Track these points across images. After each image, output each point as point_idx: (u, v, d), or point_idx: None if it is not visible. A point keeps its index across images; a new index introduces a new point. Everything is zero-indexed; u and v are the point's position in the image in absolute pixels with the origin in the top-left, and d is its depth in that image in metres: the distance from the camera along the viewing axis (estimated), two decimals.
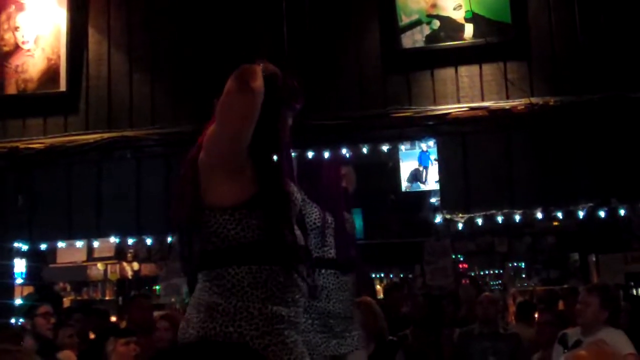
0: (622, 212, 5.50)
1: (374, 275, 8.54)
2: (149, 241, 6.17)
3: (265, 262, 2.43)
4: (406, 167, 6.88)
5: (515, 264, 9.92)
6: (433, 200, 6.06)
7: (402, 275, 8.98)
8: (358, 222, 8.27)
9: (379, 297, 8.00)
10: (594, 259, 8.81)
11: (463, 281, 7.80)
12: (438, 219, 5.63)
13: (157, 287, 8.30)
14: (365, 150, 5.58)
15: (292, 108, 2.71)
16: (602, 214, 5.48)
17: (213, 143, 2.47)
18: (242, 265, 2.42)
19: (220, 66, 5.64)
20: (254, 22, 5.71)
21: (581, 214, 5.44)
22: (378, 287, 8.53)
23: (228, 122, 2.42)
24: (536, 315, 6.36)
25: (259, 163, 2.49)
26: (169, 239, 6.10)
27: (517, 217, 5.47)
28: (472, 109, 5.44)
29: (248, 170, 2.47)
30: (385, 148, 5.68)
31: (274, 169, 2.52)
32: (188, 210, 2.52)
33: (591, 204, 5.40)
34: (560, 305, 8.23)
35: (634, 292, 8.89)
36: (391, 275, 9.96)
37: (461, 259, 9.67)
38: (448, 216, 5.48)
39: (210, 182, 2.47)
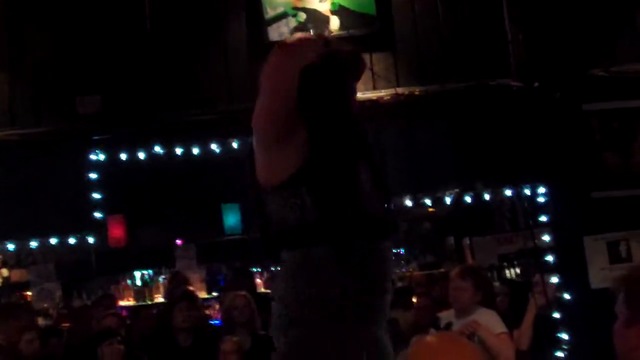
0: (487, 196, 5.69)
1: (254, 270, 8.47)
2: (11, 246, 5.94)
3: (318, 243, 2.26)
4: None
5: (394, 250, 10.08)
6: None
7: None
8: (236, 217, 8.26)
9: (259, 291, 7.99)
10: (468, 242, 9.05)
11: None
12: None
13: (29, 293, 8.00)
14: (235, 144, 5.54)
15: (355, 76, 2.51)
16: (468, 198, 5.65)
17: (257, 113, 2.38)
18: (292, 249, 2.27)
19: (80, 65, 5.52)
20: (115, 20, 5.56)
21: (448, 199, 5.59)
22: (258, 280, 8.49)
23: (265, 80, 2.37)
24: (414, 300, 6.49)
25: (313, 131, 2.31)
26: (33, 244, 5.90)
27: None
28: None
29: (295, 142, 2.29)
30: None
31: (331, 136, 2.32)
32: (251, 195, 2.42)
33: (457, 190, 5.56)
34: (437, 289, 8.41)
35: (507, 273, 9.20)
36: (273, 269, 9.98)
37: None
38: None
39: (259, 158, 2.38)
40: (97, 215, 6.03)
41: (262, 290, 8.43)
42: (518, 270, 8.44)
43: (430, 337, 1.74)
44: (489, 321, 4.61)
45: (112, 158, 5.72)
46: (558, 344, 5.46)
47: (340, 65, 2.41)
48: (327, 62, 2.37)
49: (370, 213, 2.36)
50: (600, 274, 5.48)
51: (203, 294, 7.87)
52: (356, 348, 2.30)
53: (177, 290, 7.44)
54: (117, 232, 7.97)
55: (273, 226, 2.34)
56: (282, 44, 2.41)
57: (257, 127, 2.40)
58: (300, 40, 2.48)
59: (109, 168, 5.85)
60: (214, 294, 8.23)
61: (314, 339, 2.29)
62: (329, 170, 2.30)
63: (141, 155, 5.69)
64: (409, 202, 5.54)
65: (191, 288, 7.33)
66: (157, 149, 5.62)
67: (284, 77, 2.34)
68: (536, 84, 5.41)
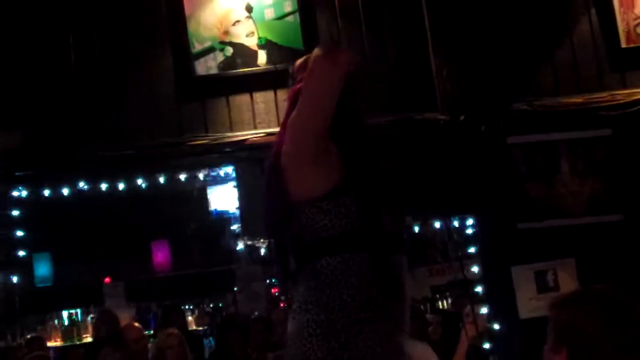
0: (416, 228, 5.73)
1: (185, 307, 8.38)
2: None
3: (358, 250, 2.37)
4: (215, 194, 6.84)
5: None
6: (234, 227, 6.06)
7: (212, 305, 8.89)
8: (166, 253, 8.17)
9: (190, 329, 7.88)
10: None
11: (281, 304, 7.83)
12: (240, 245, 5.62)
13: None
14: (162, 180, 5.48)
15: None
16: None
17: (299, 126, 2.35)
18: (334, 255, 2.37)
19: (1, 100, 5.38)
20: (38, 53, 5.46)
21: None
22: (190, 318, 8.38)
23: (315, 93, 2.31)
24: None
25: (345, 144, 2.41)
26: None
27: None
28: (268, 134, 5.47)
29: (332, 156, 2.38)
30: (182, 177, 5.60)
31: (361, 149, 2.46)
32: (277, 210, 2.44)
33: None
34: None
35: (439, 304, 9.28)
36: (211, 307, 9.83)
37: (276, 283, 9.70)
38: (249, 242, 5.48)
39: (296, 174, 2.39)
40: (21, 253, 5.85)
41: (194, 327, 8.33)
42: (450, 302, 8.53)
43: None
44: (422, 354, 4.62)
45: (35, 194, 5.58)
46: None
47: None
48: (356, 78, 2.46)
49: (392, 227, 2.47)
50: (529, 303, 5.54)
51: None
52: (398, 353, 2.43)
53: (103, 331, 7.28)
54: (43, 270, 7.82)
55: (308, 236, 2.41)
56: (328, 53, 2.35)
57: (299, 143, 2.38)
58: (343, 52, 2.43)
59: (33, 205, 5.72)
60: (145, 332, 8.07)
61: (373, 341, 2.36)
62: (369, 183, 2.44)
63: (65, 191, 5.56)
64: None
65: (129, 324, 7.19)
66: (82, 184, 5.51)
67: (331, 93, 2.33)
68: (462, 118, 5.48)
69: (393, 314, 2.44)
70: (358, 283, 2.38)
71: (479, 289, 5.67)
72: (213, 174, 6.25)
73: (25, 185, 5.51)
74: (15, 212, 5.68)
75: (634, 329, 1.86)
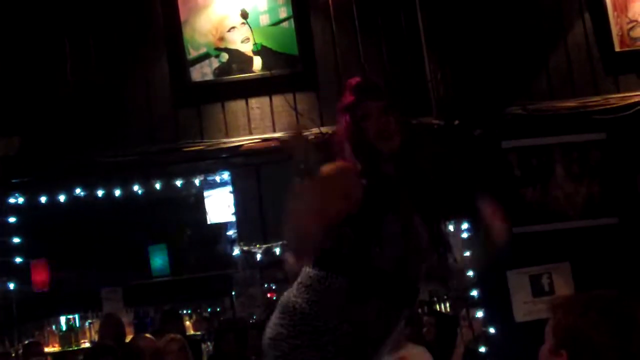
0: None
1: (183, 312, 8.37)
2: None
3: (341, 273, 2.57)
4: (212, 199, 6.83)
5: None
6: (230, 232, 6.06)
7: (209, 310, 8.89)
8: (164, 258, 8.17)
9: (188, 333, 7.88)
10: None
11: None
12: (236, 251, 5.64)
13: None
14: (158, 186, 5.49)
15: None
16: None
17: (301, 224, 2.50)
18: (322, 269, 2.58)
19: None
20: (34, 60, 5.47)
21: None
22: (188, 322, 8.38)
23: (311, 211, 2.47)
24: None
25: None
26: None
27: None
28: (264, 140, 5.49)
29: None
30: (179, 183, 5.61)
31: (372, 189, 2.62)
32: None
33: None
34: None
35: (437, 308, 9.26)
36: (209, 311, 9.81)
37: (273, 287, 9.68)
38: (245, 247, 5.50)
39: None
40: (18, 259, 5.86)
41: (192, 332, 8.32)
42: (448, 305, 8.52)
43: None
44: (418, 357, 4.64)
45: (32, 201, 5.59)
46: None
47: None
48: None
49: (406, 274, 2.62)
50: (524, 307, 5.55)
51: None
52: None
53: (108, 335, 7.28)
54: (40, 276, 7.81)
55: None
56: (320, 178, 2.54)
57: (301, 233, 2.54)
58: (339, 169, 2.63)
59: (29, 211, 5.73)
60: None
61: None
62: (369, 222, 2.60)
63: (62, 197, 5.57)
64: None
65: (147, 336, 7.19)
66: (78, 190, 5.52)
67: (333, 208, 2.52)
68: (456, 122, 5.50)
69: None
70: (328, 302, 2.56)
71: (474, 292, 5.68)
72: (209, 179, 6.26)
73: (22, 192, 5.52)
74: (12, 219, 5.68)
75: (636, 338, 1.87)
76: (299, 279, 2.68)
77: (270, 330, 2.68)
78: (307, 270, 2.65)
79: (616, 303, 1.93)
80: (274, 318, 2.69)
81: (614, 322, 1.86)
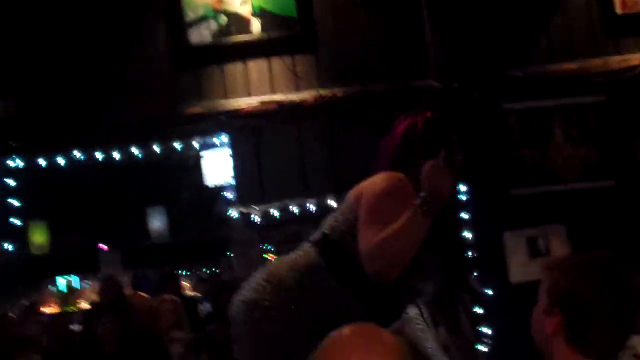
0: None
1: (181, 273, 8.44)
2: None
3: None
4: (210, 162, 6.81)
5: None
6: (229, 194, 6.05)
7: (207, 271, 8.95)
8: (162, 220, 8.19)
9: (186, 294, 7.94)
10: None
11: None
12: (234, 213, 5.65)
13: None
14: (156, 148, 5.49)
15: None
16: None
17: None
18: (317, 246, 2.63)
19: None
20: (30, 23, 5.42)
21: None
22: (185, 284, 8.45)
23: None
24: None
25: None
26: None
27: (312, 207, 5.59)
28: (262, 102, 5.47)
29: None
30: (177, 145, 5.61)
31: None
32: None
33: None
34: None
35: None
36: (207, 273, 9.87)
37: (271, 249, 9.72)
38: (244, 209, 5.51)
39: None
40: (16, 221, 5.86)
41: (189, 293, 8.39)
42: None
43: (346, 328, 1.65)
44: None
45: (30, 163, 5.58)
46: (482, 338, 5.55)
47: None
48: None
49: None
50: (520, 269, 5.59)
51: None
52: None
53: (107, 297, 7.33)
54: (38, 238, 7.83)
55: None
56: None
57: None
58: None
59: (28, 174, 5.72)
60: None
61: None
62: None
63: (60, 160, 5.56)
64: (333, 203, 5.56)
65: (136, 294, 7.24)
66: (77, 153, 5.51)
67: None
68: (455, 85, 5.49)
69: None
70: (315, 295, 2.58)
71: (470, 254, 5.71)
72: (208, 142, 6.24)
73: (20, 154, 5.50)
74: (10, 181, 5.68)
75: (629, 300, 1.90)
76: (294, 255, 2.68)
77: (245, 293, 2.65)
78: (309, 252, 2.65)
79: (610, 264, 1.95)
80: (254, 282, 2.65)
81: (607, 282, 1.89)
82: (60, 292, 8.93)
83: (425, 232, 2.44)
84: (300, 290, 2.59)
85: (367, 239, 2.49)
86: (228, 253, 7.96)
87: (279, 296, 2.58)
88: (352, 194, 2.70)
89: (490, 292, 5.58)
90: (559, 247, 5.60)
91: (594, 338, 1.87)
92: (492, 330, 5.55)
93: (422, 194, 2.44)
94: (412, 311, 4.24)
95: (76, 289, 8.95)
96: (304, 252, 2.66)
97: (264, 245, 9.01)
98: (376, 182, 2.65)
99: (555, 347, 1.90)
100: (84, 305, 8.44)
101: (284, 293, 2.58)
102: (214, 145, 6.38)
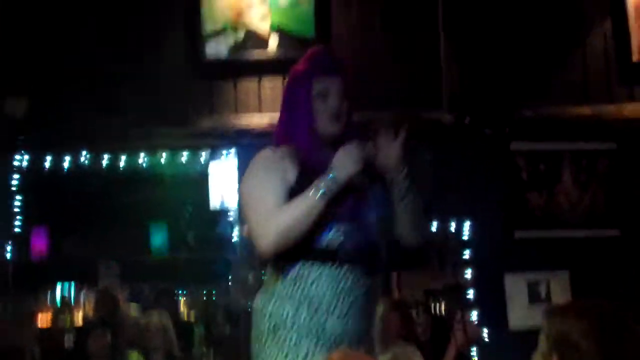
0: None
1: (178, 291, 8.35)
2: None
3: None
4: (217, 179, 6.79)
5: None
6: (232, 215, 6.02)
7: (205, 292, 8.86)
8: (164, 236, 8.14)
9: (181, 314, 7.87)
10: (395, 275, 9.07)
11: None
12: (236, 234, 5.63)
13: None
14: (163, 160, 5.49)
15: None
16: None
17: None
18: None
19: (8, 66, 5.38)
20: (49, 18, 5.46)
21: None
22: (182, 303, 8.36)
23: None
24: None
25: None
26: None
27: None
28: (273, 120, 5.46)
29: None
30: (184, 158, 5.60)
31: None
32: None
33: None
34: None
35: (433, 308, 9.23)
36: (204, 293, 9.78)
37: None
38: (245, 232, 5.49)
39: None
40: (18, 224, 5.85)
41: (185, 313, 8.31)
42: (443, 306, 8.50)
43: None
44: (410, 356, 4.62)
45: (36, 165, 5.57)
46: None
47: None
48: None
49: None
50: (520, 313, 5.52)
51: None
52: None
53: (101, 311, 7.28)
54: (39, 243, 7.79)
55: None
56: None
57: None
58: None
59: (33, 176, 5.71)
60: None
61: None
62: None
63: (67, 164, 5.55)
64: None
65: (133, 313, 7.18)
66: (84, 159, 5.51)
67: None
68: (467, 119, 5.47)
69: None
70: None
71: (470, 294, 5.65)
72: (215, 158, 6.23)
73: (27, 154, 5.50)
74: (16, 182, 5.66)
75: (628, 349, 1.86)
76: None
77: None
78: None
79: (610, 312, 1.93)
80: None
81: (604, 330, 1.87)
82: (56, 301, 8.86)
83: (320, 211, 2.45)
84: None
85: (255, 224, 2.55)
86: (226, 275, 7.93)
87: None
88: None
89: (487, 333, 5.50)
90: (560, 293, 5.54)
91: None
92: None
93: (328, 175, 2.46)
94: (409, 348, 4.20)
95: (72, 300, 8.88)
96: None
97: (264, 271, 8.99)
98: None
99: None
100: (79, 317, 8.37)
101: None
102: (221, 162, 6.37)
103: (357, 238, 2.49)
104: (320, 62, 2.67)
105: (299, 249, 2.49)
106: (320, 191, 2.41)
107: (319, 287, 2.48)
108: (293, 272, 2.55)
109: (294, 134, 2.59)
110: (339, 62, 2.70)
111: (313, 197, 2.43)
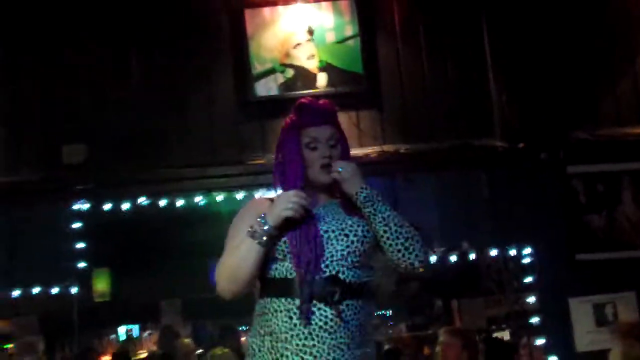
0: (472, 256, 5.66)
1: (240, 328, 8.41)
2: None
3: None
4: None
5: (381, 312, 9.99)
6: None
7: None
8: None
9: (244, 350, 7.90)
10: (456, 304, 9.01)
11: None
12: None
13: (9, 345, 7.89)
14: (219, 198, 5.53)
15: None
16: (453, 258, 5.62)
17: None
18: None
19: (66, 114, 5.51)
20: (103, 67, 5.58)
21: (433, 259, 5.56)
22: (244, 338, 8.40)
23: None
24: None
25: None
26: (15, 293, 5.83)
27: None
28: None
29: None
30: (240, 196, 5.64)
31: None
32: None
33: (443, 249, 5.54)
34: (426, 350, 8.35)
35: (495, 335, 9.12)
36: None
37: None
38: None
39: None
40: (81, 266, 5.95)
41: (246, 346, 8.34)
42: (507, 333, 8.39)
43: None
44: None
45: (96, 209, 5.67)
46: None
47: None
48: None
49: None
50: (586, 336, 5.43)
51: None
52: None
53: (162, 347, 7.36)
54: (102, 285, 7.94)
55: None
56: None
57: None
58: None
59: (93, 219, 5.81)
60: (200, 350, 8.17)
61: None
62: None
63: (125, 207, 5.64)
64: None
65: (186, 340, 7.24)
66: (141, 201, 5.59)
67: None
68: (522, 145, 5.43)
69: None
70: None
71: (535, 320, 5.57)
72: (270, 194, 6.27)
73: (86, 200, 5.60)
74: (76, 226, 5.77)
75: None
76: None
77: None
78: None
79: None
80: None
81: None
82: (120, 341, 8.99)
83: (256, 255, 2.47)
84: None
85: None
86: None
87: None
88: None
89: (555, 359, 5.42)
90: (627, 315, 5.42)
91: None
92: None
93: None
94: None
95: (136, 339, 9.00)
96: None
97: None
98: None
99: None
100: (143, 355, 8.47)
101: None
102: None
103: (314, 270, 2.47)
104: (308, 113, 2.67)
105: (262, 285, 2.57)
106: (253, 237, 2.47)
107: (277, 319, 2.48)
108: (258, 307, 2.60)
109: (286, 182, 2.61)
110: (326, 112, 2.70)
111: (249, 241, 2.48)
